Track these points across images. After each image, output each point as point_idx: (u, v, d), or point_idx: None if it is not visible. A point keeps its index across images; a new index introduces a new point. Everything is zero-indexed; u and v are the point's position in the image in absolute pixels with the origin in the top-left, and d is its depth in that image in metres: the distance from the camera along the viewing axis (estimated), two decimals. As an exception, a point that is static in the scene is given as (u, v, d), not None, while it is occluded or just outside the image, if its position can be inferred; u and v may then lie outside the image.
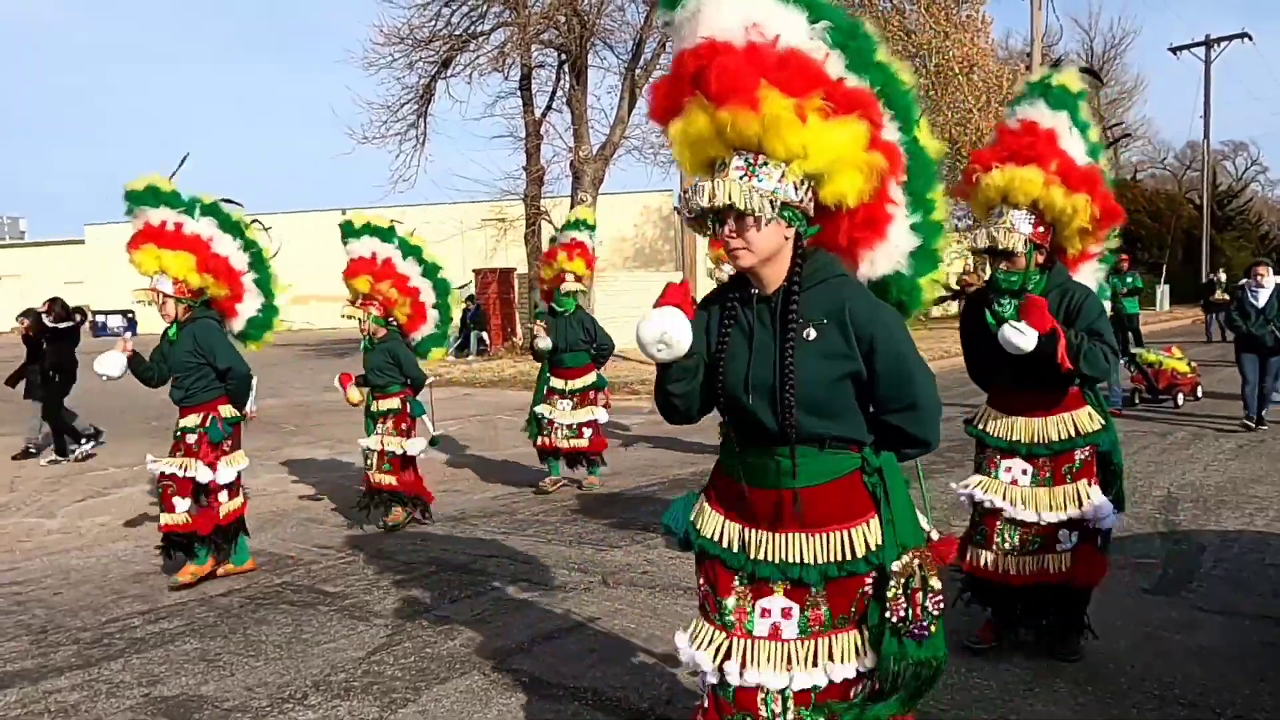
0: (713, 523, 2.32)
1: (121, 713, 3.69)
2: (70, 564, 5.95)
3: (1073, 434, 3.73)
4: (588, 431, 7.43)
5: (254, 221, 5.76)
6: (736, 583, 2.28)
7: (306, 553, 5.98)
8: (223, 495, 5.40)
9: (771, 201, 2.08)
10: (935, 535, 2.32)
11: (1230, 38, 32.71)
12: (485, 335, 19.85)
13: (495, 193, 19.71)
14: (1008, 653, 3.98)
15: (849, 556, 2.18)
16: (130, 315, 36.91)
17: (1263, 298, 9.43)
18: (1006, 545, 3.84)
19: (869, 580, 2.22)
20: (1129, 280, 15.78)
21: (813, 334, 2.13)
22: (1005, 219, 3.62)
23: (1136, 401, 11.46)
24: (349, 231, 6.64)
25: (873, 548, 2.19)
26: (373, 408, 6.60)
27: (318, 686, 3.86)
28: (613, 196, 29.72)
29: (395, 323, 6.62)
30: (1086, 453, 3.78)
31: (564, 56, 18.36)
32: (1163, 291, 34.24)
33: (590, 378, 7.52)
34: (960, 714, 3.45)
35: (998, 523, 3.85)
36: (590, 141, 18.42)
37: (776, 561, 2.22)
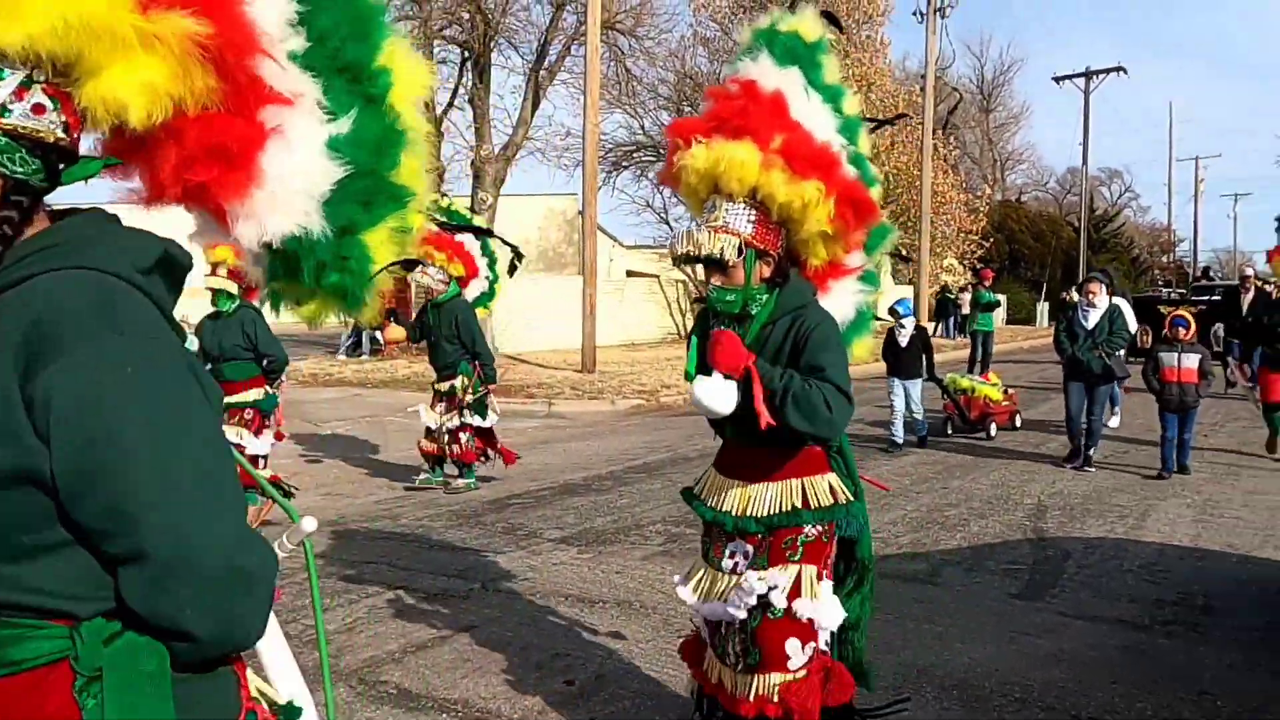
0: None
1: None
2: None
3: (798, 505, 2.65)
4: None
5: None
6: None
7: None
8: None
9: None
10: None
11: (1108, 70, 34.57)
12: (379, 335, 19.31)
13: (392, 189, 19.23)
14: (877, 658, 4.03)
15: None
16: None
17: (1093, 318, 8.24)
18: (731, 655, 2.75)
19: None
20: (985, 297, 16.29)
21: None
22: (717, 214, 2.61)
23: (949, 431, 10.38)
24: None
25: None
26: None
27: (168, 702, 3.63)
28: (517, 198, 29.46)
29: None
30: (820, 530, 2.68)
31: (466, 54, 18.09)
32: (1043, 309, 35.96)
33: (251, 394, 6.19)
34: (831, 720, 3.48)
35: (720, 626, 2.79)
36: (492, 141, 18.19)
37: None
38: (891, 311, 9.26)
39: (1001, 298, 17.46)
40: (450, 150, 19.10)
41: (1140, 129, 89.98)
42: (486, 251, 7.63)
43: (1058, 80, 35.61)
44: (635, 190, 31.54)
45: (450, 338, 7.21)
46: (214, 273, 6.01)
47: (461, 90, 18.64)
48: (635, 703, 3.60)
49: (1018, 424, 10.85)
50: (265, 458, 6.22)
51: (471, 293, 7.55)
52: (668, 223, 29.17)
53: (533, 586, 5.05)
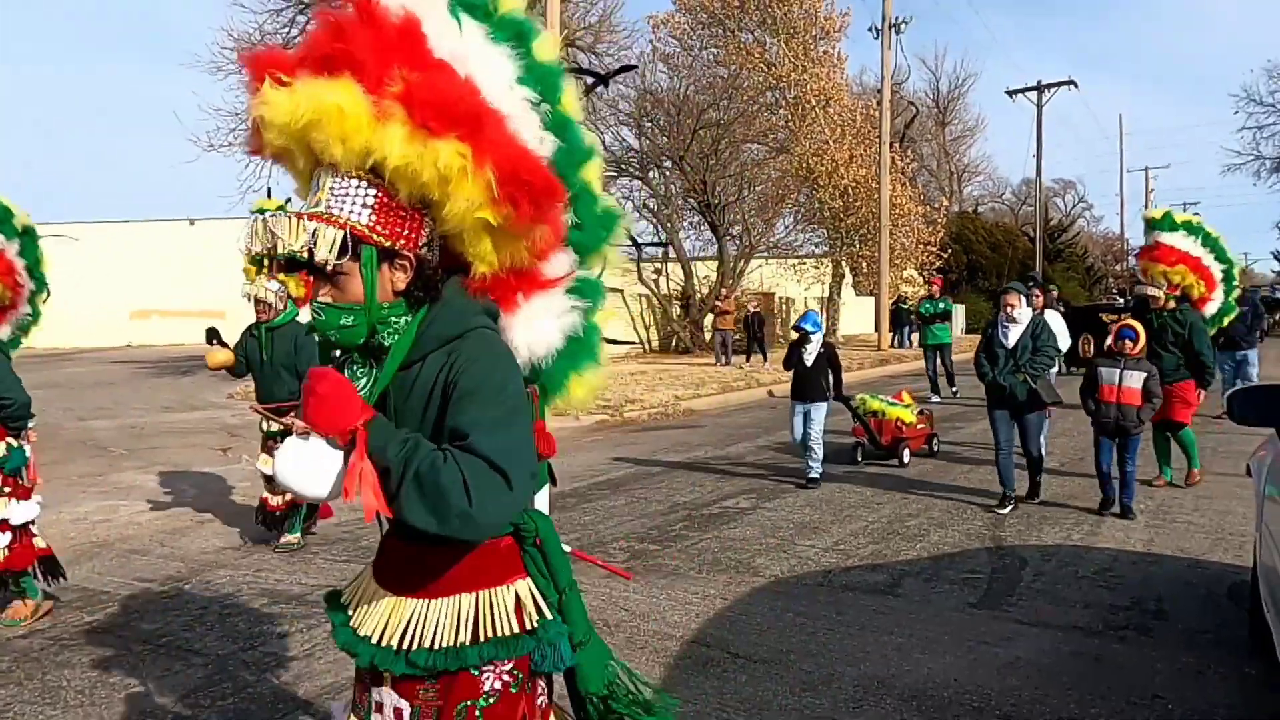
0: None
1: (-114, 775, 3.30)
2: None
3: (466, 639, 1.82)
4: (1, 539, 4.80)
5: None
6: None
7: (125, 587, 5.55)
8: None
9: None
10: None
11: (1059, 84, 35.34)
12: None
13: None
14: (839, 670, 4.08)
15: None
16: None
17: (1013, 336, 7.09)
18: None
19: None
20: (940, 305, 14.94)
21: None
22: (319, 194, 1.78)
23: (859, 458, 9.49)
24: None
25: None
26: None
27: (121, 735, 3.57)
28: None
29: None
30: (506, 678, 1.84)
31: (426, 71, 18.01)
32: (1001, 318, 36.43)
33: None
34: (793, 734, 3.50)
35: None
36: (453, 158, 18.12)
37: None
38: (796, 329, 8.39)
39: (956, 306, 16.30)
40: (410, 167, 18.96)
41: (1092, 141, 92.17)
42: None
43: (1011, 94, 36.33)
44: (598, 205, 31.39)
45: (289, 366, 6.25)
46: None
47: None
48: (598, 722, 3.59)
49: (935, 448, 9.85)
50: (29, 525, 4.94)
51: (305, 315, 6.57)
52: (633, 239, 29.26)
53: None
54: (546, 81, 2.02)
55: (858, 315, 35.08)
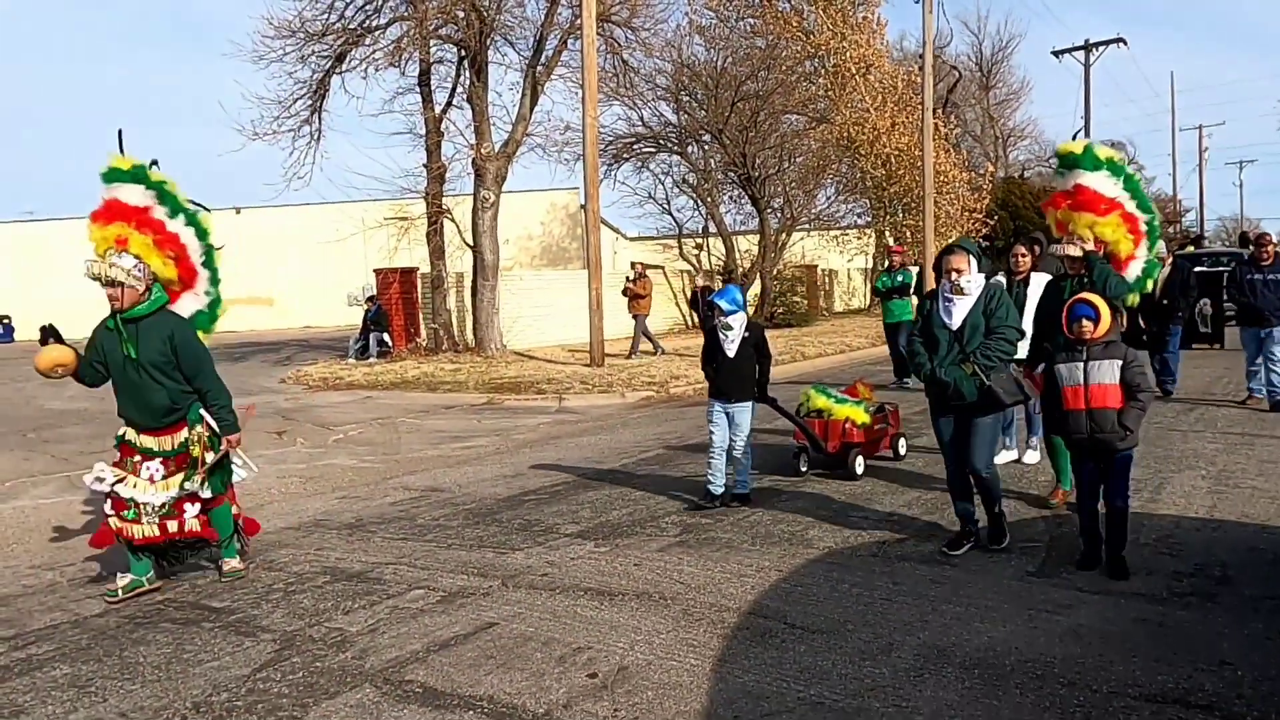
0: None
1: (-21, 747, 3.45)
2: (-71, 589, 5.54)
3: None
4: None
5: None
6: None
7: (192, 567, 5.71)
8: None
9: None
10: None
11: (1107, 42, 34.43)
12: (387, 336, 19.39)
13: (395, 190, 19.30)
14: (898, 640, 4.07)
15: None
16: (6, 320, 34.89)
17: (958, 313, 5.16)
18: None
19: None
20: (899, 278, 12.95)
21: None
22: None
23: (803, 469, 7.58)
24: None
25: None
26: None
27: (198, 708, 3.68)
28: (520, 194, 29.49)
29: None
30: None
31: (463, 52, 18.04)
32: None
33: None
34: (854, 702, 3.51)
35: None
36: (492, 139, 18.17)
37: None
38: (709, 305, 6.69)
39: (912, 274, 13.25)
40: (451, 150, 19.08)
41: (1142, 100, 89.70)
42: (209, 261, 5.51)
43: (1057, 54, 35.47)
44: (637, 182, 31.42)
45: (164, 367, 5.00)
46: None
47: (460, 89, 18.62)
48: (658, 694, 3.64)
49: (901, 451, 8.06)
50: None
51: (183, 309, 5.38)
52: (670, 213, 29.17)
53: (552, 581, 5.09)
54: None
55: (902, 285, 34.59)
